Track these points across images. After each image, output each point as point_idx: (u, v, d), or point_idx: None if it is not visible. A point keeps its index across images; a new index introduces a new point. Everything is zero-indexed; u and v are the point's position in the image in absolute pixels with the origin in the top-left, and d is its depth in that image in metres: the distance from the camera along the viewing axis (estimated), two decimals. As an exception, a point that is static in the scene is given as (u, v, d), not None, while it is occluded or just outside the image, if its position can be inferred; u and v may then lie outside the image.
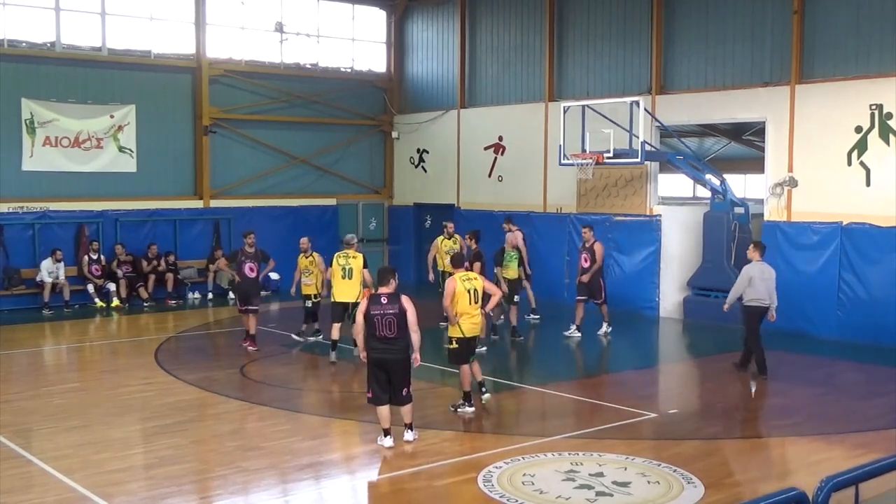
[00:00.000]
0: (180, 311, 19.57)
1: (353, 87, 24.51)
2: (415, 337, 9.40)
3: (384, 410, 9.44)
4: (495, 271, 15.76)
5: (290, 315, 18.68)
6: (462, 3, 23.16)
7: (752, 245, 13.66)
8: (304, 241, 15.40)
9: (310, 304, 15.30)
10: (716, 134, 23.98)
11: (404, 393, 9.48)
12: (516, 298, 15.83)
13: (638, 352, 16.26)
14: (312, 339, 15.41)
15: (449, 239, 17.00)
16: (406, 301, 9.41)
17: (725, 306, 13.73)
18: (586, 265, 16.05)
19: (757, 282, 13.08)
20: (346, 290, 13.67)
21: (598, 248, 16.07)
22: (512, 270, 15.79)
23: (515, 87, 22.15)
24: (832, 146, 16.31)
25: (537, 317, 17.66)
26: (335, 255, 14.02)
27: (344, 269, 13.70)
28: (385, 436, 9.46)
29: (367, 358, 9.48)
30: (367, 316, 9.35)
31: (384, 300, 9.35)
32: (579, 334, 16.06)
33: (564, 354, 15.64)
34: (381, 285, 9.52)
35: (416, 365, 9.66)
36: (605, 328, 16.35)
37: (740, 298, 13.26)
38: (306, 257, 15.24)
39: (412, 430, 9.65)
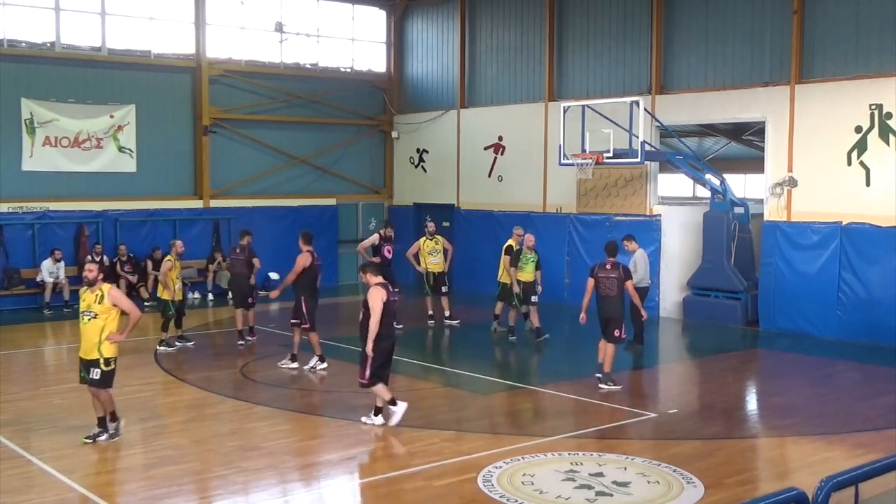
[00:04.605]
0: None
1: (352, 87, 24.51)
2: (635, 300, 12.94)
3: (601, 343, 12.41)
4: (509, 271, 15.49)
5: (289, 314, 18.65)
6: (462, 3, 23.16)
7: (628, 238, 15.46)
8: (179, 243, 15.19)
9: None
10: (716, 134, 24.00)
11: (616, 334, 12.25)
12: (534, 299, 15.56)
13: (638, 352, 16.23)
14: (181, 344, 15.10)
15: (431, 239, 17.00)
16: (623, 268, 12.38)
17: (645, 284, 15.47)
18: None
19: (641, 264, 15.17)
20: (527, 274, 15.61)
21: (299, 259, 13.58)
22: (528, 273, 15.53)
23: (515, 87, 22.15)
24: (832, 146, 16.32)
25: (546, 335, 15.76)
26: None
27: (526, 257, 15.67)
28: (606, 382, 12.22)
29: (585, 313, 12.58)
30: (596, 277, 12.35)
31: (608, 266, 12.35)
32: (295, 364, 13.40)
33: (564, 354, 15.64)
34: (609, 256, 12.44)
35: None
36: (315, 361, 13.39)
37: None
38: (180, 261, 15.09)
39: (609, 378, 12.22)
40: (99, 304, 9.36)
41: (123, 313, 9.55)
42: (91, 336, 9.43)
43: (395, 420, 10.23)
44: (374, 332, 10.05)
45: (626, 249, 15.16)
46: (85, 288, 9.55)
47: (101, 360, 9.43)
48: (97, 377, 9.46)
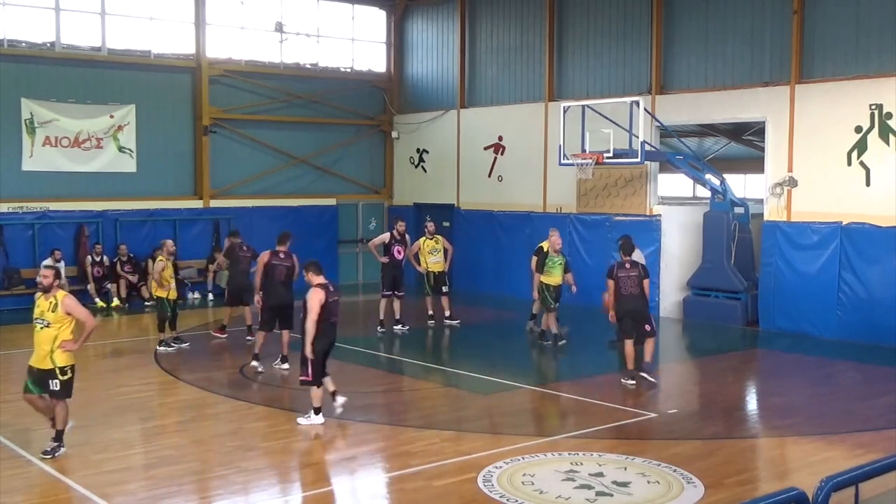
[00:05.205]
0: (180, 310, 19.49)
1: (352, 87, 24.50)
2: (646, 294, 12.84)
3: (629, 345, 12.58)
4: (539, 277, 15.09)
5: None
6: (462, 3, 23.16)
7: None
8: (170, 243, 15.24)
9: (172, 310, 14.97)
10: (716, 134, 24.00)
11: (647, 329, 12.57)
12: (556, 305, 15.28)
13: (637, 352, 16.21)
14: (177, 345, 15.05)
15: (431, 239, 16.96)
16: (642, 266, 12.81)
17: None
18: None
19: None
20: (556, 277, 15.25)
21: (259, 257, 13.73)
22: (557, 276, 15.13)
23: (515, 87, 22.15)
24: (832, 146, 16.31)
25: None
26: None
27: (553, 261, 15.32)
28: (627, 379, 12.45)
29: (615, 312, 12.63)
30: (616, 278, 12.52)
31: (628, 265, 12.62)
32: (286, 365, 13.29)
33: (565, 355, 15.63)
34: (625, 255, 12.74)
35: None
36: (253, 361, 13.42)
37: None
38: (173, 260, 15.14)
39: (649, 371, 12.50)
40: (52, 312, 8.97)
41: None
42: (43, 344, 9.03)
43: (301, 421, 10.36)
44: (311, 332, 10.17)
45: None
46: (40, 294, 9.19)
47: (57, 370, 9.03)
48: (57, 388, 9.06)
